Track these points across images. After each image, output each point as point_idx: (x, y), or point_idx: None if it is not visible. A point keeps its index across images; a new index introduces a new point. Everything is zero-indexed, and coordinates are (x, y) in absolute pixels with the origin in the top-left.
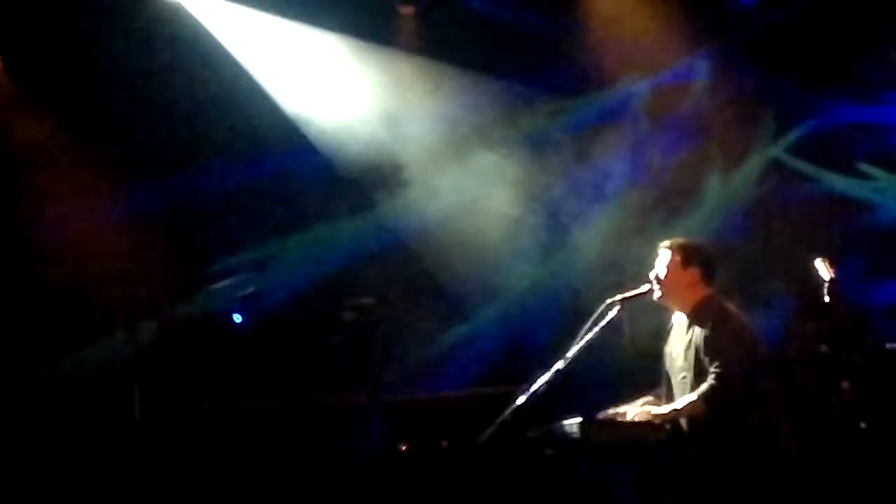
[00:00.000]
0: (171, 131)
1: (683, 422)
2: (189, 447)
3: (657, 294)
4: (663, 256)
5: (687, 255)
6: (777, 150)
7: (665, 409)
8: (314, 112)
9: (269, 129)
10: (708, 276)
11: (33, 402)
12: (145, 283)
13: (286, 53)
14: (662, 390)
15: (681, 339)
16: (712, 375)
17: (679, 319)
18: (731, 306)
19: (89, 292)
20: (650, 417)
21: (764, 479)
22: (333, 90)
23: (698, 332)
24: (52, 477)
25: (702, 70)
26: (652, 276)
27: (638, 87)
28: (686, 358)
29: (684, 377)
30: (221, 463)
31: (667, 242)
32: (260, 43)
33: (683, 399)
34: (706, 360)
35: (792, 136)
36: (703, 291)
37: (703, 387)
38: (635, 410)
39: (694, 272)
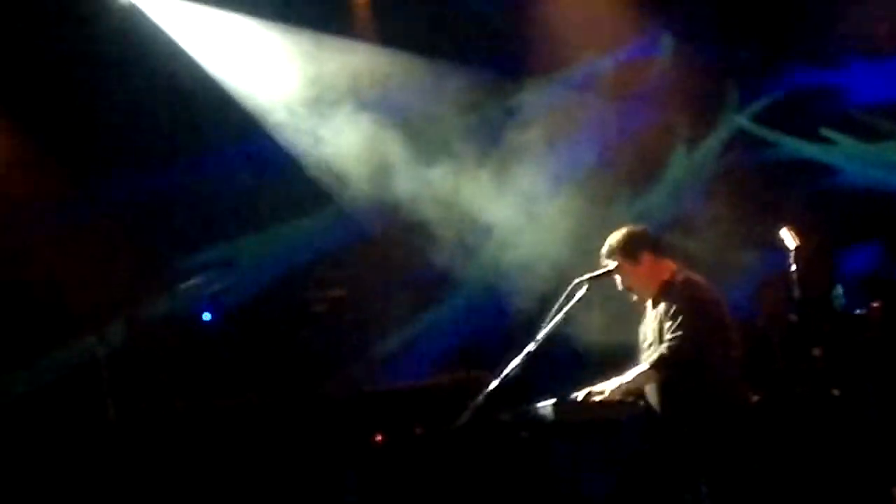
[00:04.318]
0: (132, 131)
1: (653, 394)
2: (165, 446)
3: (635, 299)
4: (612, 269)
5: (630, 251)
6: (742, 120)
7: (615, 382)
8: (272, 106)
9: (229, 127)
10: (658, 251)
11: (6, 409)
12: (113, 285)
13: (243, 49)
14: None
15: (650, 317)
16: (664, 344)
17: (649, 302)
18: (695, 276)
19: (57, 297)
20: (604, 395)
21: (728, 440)
22: (290, 83)
23: (662, 306)
24: (29, 482)
25: (663, 44)
26: (620, 288)
27: (600, 64)
28: (654, 331)
29: (652, 351)
30: (198, 460)
31: (605, 253)
32: (216, 39)
33: (632, 371)
34: (665, 326)
35: (757, 106)
36: (664, 269)
37: (654, 356)
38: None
39: (646, 258)
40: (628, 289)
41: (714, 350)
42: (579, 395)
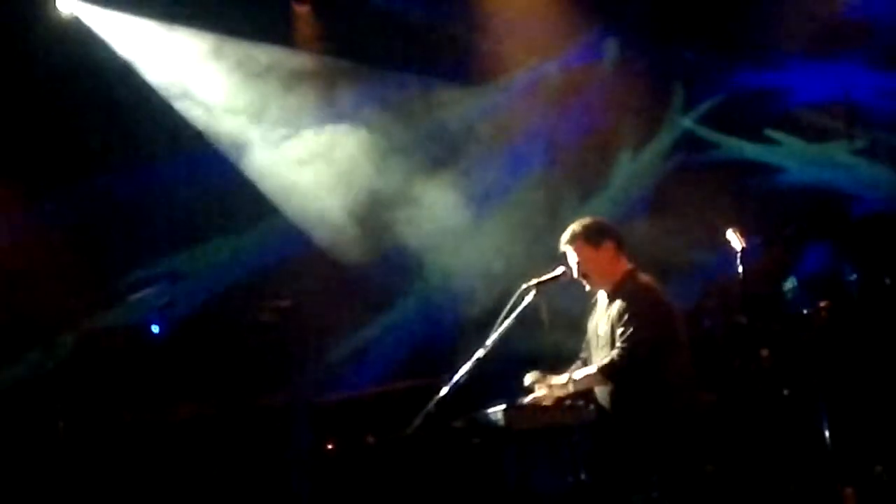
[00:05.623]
0: (78, 142)
1: (604, 398)
2: (115, 459)
3: (588, 289)
4: (571, 254)
5: (593, 237)
6: (687, 122)
7: (563, 377)
8: (216, 117)
9: (175, 138)
10: (620, 245)
11: None
12: (61, 298)
13: (184, 60)
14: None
15: (602, 315)
16: (616, 348)
17: (602, 294)
18: (647, 279)
19: (4, 311)
20: (552, 394)
21: (679, 443)
22: (232, 94)
23: (615, 307)
24: None
25: (608, 48)
26: (575, 275)
27: (544, 69)
28: (606, 333)
29: (604, 351)
30: (148, 472)
31: (565, 238)
32: (157, 51)
33: (581, 371)
34: (618, 332)
35: (702, 108)
36: (622, 265)
37: (604, 359)
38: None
39: (608, 247)
40: (583, 276)
41: (665, 356)
42: (527, 380)
